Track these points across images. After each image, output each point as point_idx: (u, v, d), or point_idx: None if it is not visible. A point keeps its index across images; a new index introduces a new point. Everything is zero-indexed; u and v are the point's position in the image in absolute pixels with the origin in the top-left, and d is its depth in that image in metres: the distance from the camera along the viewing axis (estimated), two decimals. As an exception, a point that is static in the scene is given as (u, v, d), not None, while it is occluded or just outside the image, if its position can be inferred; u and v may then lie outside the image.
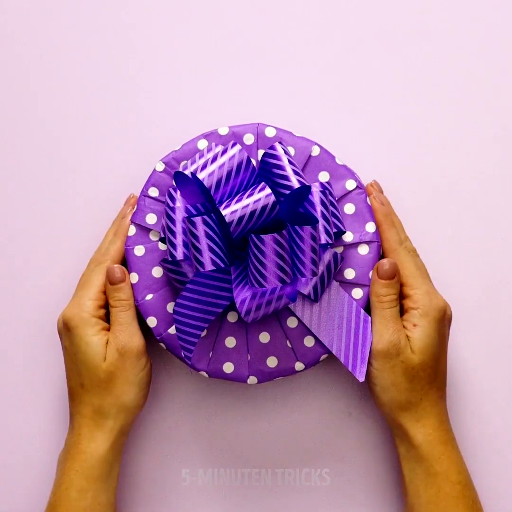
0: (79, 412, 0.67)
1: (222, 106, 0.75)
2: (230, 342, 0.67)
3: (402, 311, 0.68)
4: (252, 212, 0.60)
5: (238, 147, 0.62)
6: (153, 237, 0.69)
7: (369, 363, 0.66)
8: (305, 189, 0.63)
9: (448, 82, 0.75)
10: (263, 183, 0.61)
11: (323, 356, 0.67)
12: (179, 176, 0.64)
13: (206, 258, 0.61)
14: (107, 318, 0.69)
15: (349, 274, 0.67)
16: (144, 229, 0.69)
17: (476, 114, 0.75)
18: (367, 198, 0.68)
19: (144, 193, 0.69)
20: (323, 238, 0.64)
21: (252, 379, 0.67)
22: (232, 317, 0.68)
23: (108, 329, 0.68)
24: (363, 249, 0.68)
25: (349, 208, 0.68)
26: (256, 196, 0.60)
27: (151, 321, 0.68)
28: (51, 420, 0.74)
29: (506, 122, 0.75)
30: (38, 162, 0.76)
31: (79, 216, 0.75)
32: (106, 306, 0.69)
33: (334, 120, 0.76)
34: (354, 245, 0.68)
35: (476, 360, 0.73)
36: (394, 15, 0.76)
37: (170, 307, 0.68)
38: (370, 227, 0.68)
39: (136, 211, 0.69)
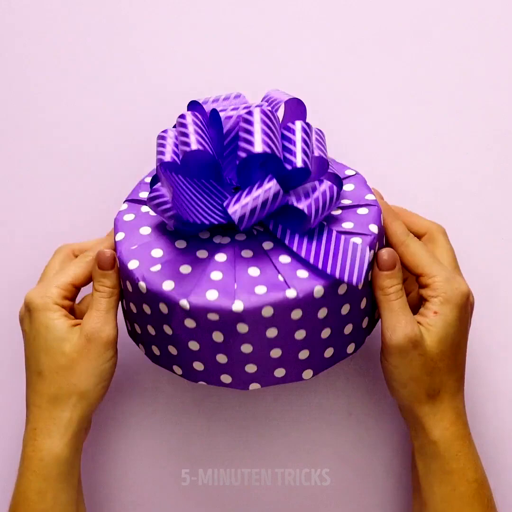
0: (34, 403, 0.64)
1: (222, 106, 0.75)
2: (216, 275, 0.62)
3: (421, 302, 0.65)
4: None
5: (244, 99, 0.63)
6: (144, 210, 0.66)
7: (385, 359, 0.63)
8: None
9: (448, 82, 0.75)
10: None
11: (318, 288, 0.60)
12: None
13: (193, 139, 0.59)
14: (72, 312, 0.67)
15: (348, 225, 0.64)
16: (136, 203, 0.67)
17: (476, 114, 0.75)
18: (367, 182, 0.67)
19: (142, 181, 0.68)
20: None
21: (238, 305, 0.59)
22: (220, 257, 0.63)
23: (72, 320, 0.65)
24: (363, 210, 0.65)
25: (348, 187, 0.66)
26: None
27: (133, 264, 0.63)
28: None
29: (506, 122, 0.75)
30: (38, 161, 0.76)
31: (79, 216, 0.75)
32: (73, 299, 0.67)
33: (333, 120, 0.76)
34: (354, 207, 0.65)
35: (475, 360, 0.73)
36: (394, 15, 0.76)
37: (154, 252, 0.63)
38: (370, 196, 0.65)
39: (130, 193, 0.68)
